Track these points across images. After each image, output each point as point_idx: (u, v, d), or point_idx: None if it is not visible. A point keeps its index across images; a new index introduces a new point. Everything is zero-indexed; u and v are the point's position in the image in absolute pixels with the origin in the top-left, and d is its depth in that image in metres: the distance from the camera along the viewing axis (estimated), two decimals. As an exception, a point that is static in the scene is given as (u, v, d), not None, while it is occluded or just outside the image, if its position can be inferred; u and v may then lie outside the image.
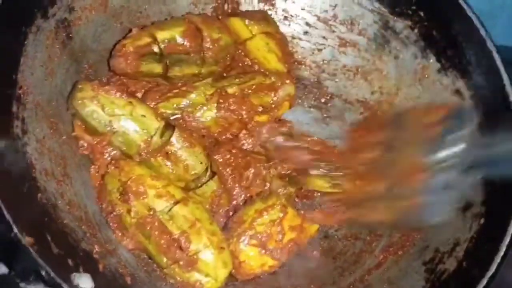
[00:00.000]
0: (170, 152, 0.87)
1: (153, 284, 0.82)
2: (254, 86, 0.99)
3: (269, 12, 1.09)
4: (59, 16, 0.87)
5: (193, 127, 0.95)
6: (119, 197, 0.81)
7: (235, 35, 1.01)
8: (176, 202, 0.82)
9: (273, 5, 1.09)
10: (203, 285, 0.81)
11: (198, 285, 0.80)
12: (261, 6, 1.09)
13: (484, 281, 0.75)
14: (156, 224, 0.80)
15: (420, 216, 0.75)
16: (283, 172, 0.97)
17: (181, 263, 0.80)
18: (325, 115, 1.09)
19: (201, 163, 0.90)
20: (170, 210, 0.81)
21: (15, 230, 0.62)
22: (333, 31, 1.08)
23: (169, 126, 0.89)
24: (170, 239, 0.80)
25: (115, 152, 0.87)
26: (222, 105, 0.95)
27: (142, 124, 0.86)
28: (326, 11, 1.08)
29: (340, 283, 0.90)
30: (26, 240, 0.63)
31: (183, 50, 0.91)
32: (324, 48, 1.09)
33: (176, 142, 0.87)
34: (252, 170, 0.96)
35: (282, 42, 1.05)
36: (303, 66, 1.11)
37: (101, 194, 0.84)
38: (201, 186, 0.90)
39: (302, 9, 1.09)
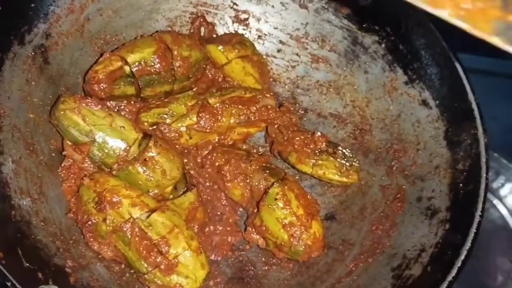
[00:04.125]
0: (147, 159, 0.89)
1: (126, 296, 0.85)
2: (235, 98, 1.02)
3: (244, 32, 1.13)
4: (36, 42, 0.91)
5: (170, 139, 0.98)
6: (94, 206, 0.84)
7: (213, 61, 1.06)
8: (151, 210, 0.85)
9: (247, 25, 1.13)
10: (183, 287, 0.83)
11: (178, 287, 0.83)
12: (236, 26, 1.13)
13: (445, 285, 0.77)
14: (136, 230, 0.83)
15: None
16: (263, 165, 0.98)
17: (161, 267, 0.83)
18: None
19: (178, 168, 0.92)
20: (148, 217, 0.84)
21: (-17, 244, 0.65)
22: (306, 48, 1.12)
23: (146, 136, 0.92)
24: (150, 245, 0.83)
25: (92, 168, 0.91)
26: (202, 115, 0.98)
27: (121, 134, 0.90)
28: (298, 29, 1.11)
29: (311, 292, 0.92)
30: (-5, 254, 0.66)
31: (154, 71, 0.94)
32: (298, 64, 1.13)
33: (153, 148, 0.90)
34: (232, 166, 0.98)
35: (259, 63, 1.09)
36: (278, 83, 1.14)
37: (75, 206, 0.87)
38: (179, 196, 0.93)
39: (275, 28, 1.13)
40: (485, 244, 1.20)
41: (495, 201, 1.29)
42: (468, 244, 0.81)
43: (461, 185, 0.90)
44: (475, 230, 0.82)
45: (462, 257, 0.80)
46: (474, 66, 1.54)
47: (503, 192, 1.30)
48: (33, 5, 0.90)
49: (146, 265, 0.83)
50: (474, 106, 0.93)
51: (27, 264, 0.72)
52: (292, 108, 1.09)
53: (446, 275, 0.79)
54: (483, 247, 1.16)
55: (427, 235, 0.88)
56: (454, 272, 0.78)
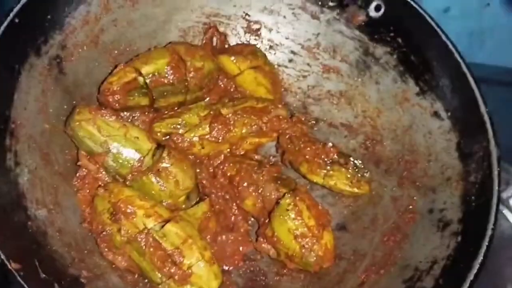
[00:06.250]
0: (160, 169, 0.90)
1: (140, 306, 0.85)
2: (247, 109, 1.03)
3: (255, 42, 1.14)
4: (52, 53, 0.92)
5: (182, 149, 0.98)
6: (109, 217, 0.85)
7: (225, 71, 1.06)
8: (165, 221, 0.86)
9: (259, 35, 1.14)
10: None
11: None
12: (248, 37, 1.14)
13: (457, 298, 0.78)
14: (151, 241, 0.84)
15: None
16: (275, 175, 0.99)
17: (176, 277, 0.84)
18: (311, 140, 1.12)
19: (191, 178, 0.93)
20: (162, 227, 0.85)
21: (2, 256, 0.66)
22: (317, 59, 1.12)
23: (160, 146, 0.93)
24: (164, 255, 0.84)
25: (107, 178, 0.92)
26: (214, 125, 0.99)
27: (135, 145, 0.91)
28: (310, 39, 1.12)
29: (323, 303, 0.93)
30: (13, 265, 0.67)
31: (167, 82, 0.95)
32: (309, 74, 1.13)
33: (167, 158, 0.90)
34: (244, 176, 0.98)
35: (271, 74, 1.10)
36: (289, 92, 1.15)
37: (90, 216, 0.88)
38: (191, 206, 0.94)
39: (286, 38, 1.13)
40: (494, 254, 1.20)
41: (505, 211, 1.28)
42: (480, 257, 0.81)
43: (473, 197, 0.90)
44: (487, 243, 0.82)
45: (475, 270, 0.80)
46: (485, 75, 1.54)
47: (513, 202, 1.30)
48: (49, 16, 0.91)
49: (160, 275, 0.84)
50: (486, 118, 0.93)
51: (44, 275, 0.73)
52: (303, 118, 1.10)
53: (458, 289, 0.79)
54: (492, 258, 1.16)
55: (439, 247, 0.88)
56: (466, 285, 0.79)
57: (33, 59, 0.89)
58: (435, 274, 0.85)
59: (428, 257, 0.89)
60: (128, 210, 0.85)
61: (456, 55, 0.98)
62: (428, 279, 0.86)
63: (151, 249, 0.84)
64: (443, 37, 0.99)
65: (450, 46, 0.98)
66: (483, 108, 0.94)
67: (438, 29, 1.00)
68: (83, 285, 0.79)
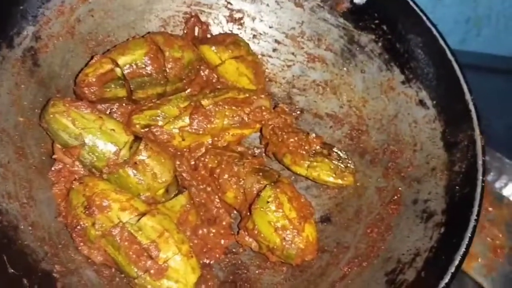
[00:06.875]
0: (137, 162, 0.88)
1: (115, 301, 0.84)
2: (228, 100, 1.00)
3: (238, 31, 1.12)
4: (25, 45, 0.90)
5: (162, 141, 0.97)
6: (83, 211, 0.84)
7: (207, 62, 1.04)
8: (141, 214, 0.84)
9: (241, 24, 1.12)
10: None
11: None
12: (230, 26, 1.12)
13: (437, 291, 0.76)
14: (126, 235, 0.82)
15: None
16: (256, 167, 0.97)
17: (151, 271, 0.82)
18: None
19: (169, 171, 0.91)
20: (138, 221, 0.83)
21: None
22: (301, 48, 1.10)
23: (137, 139, 0.91)
24: (140, 249, 0.82)
25: (83, 171, 0.90)
26: (194, 116, 0.97)
27: (112, 137, 0.89)
28: (294, 28, 1.10)
29: (304, 296, 0.91)
30: (-24, 261, 0.66)
31: (145, 73, 0.93)
32: (293, 64, 1.11)
33: (144, 151, 0.89)
34: (225, 169, 0.96)
35: (253, 64, 1.07)
36: (274, 83, 1.12)
37: (65, 210, 0.87)
38: (170, 199, 0.92)
39: (270, 27, 1.11)
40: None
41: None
42: (462, 249, 0.79)
43: (457, 187, 0.88)
44: (469, 235, 0.80)
45: (456, 262, 0.78)
46: (481, 63, 1.51)
47: (506, 192, 1.27)
48: (21, 7, 0.89)
49: (136, 270, 0.82)
50: (471, 106, 0.90)
51: (12, 270, 0.71)
52: (288, 109, 1.07)
53: (439, 281, 0.77)
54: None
55: (422, 239, 0.86)
56: (447, 278, 0.77)
57: (5, 51, 0.87)
58: (418, 267, 0.83)
59: (411, 249, 0.87)
60: (103, 204, 0.83)
61: (441, 41, 0.96)
62: (410, 272, 0.84)
63: (126, 243, 0.82)
64: (428, 24, 0.97)
65: (435, 33, 0.96)
66: (468, 96, 0.91)
67: (422, 16, 0.98)
68: (55, 280, 0.77)
